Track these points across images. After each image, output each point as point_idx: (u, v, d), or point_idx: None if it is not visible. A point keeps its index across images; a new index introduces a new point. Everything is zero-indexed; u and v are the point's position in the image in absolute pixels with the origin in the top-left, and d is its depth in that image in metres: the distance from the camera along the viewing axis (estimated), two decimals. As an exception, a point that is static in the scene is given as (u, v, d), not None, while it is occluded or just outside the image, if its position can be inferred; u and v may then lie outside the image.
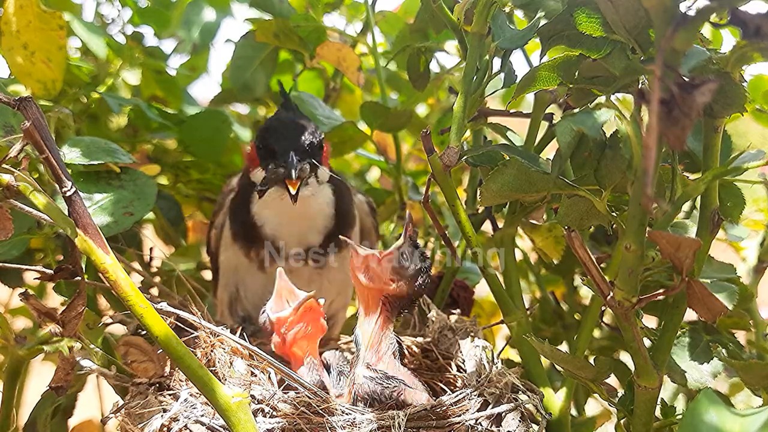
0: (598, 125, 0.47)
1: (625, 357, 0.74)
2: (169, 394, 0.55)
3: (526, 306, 0.64)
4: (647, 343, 0.55)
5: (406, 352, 0.69)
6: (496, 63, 0.60)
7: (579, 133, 0.47)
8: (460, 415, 0.52)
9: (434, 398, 0.56)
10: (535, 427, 0.56)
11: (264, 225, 0.69)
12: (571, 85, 0.54)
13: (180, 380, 0.55)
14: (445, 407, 0.53)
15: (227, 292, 0.76)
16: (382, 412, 0.51)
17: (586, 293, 0.89)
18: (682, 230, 0.59)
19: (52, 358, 0.85)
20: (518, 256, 0.83)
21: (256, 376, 0.56)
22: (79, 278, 0.52)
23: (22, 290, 0.53)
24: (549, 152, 0.61)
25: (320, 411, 0.51)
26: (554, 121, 0.67)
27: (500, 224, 0.67)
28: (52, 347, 0.52)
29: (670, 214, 0.49)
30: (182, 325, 0.55)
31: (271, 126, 0.69)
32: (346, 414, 0.51)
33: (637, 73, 0.50)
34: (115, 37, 0.93)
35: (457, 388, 0.60)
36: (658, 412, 0.57)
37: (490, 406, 0.54)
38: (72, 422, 0.75)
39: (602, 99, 0.51)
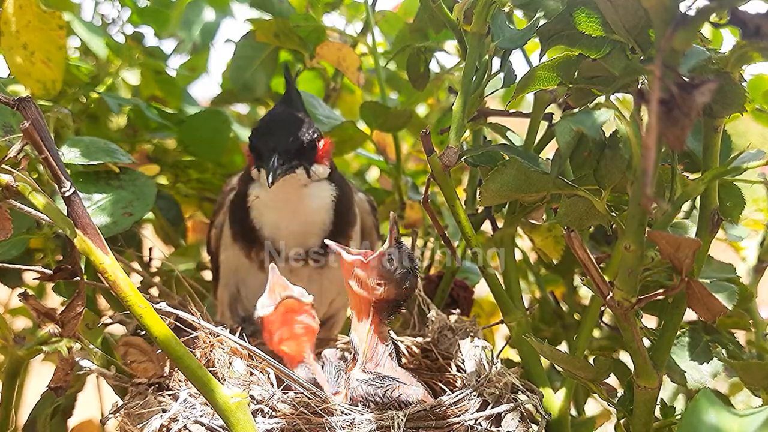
0: (598, 125, 0.47)
1: (625, 357, 0.74)
2: (169, 395, 0.55)
3: (526, 306, 0.64)
4: (647, 343, 0.54)
5: (406, 352, 0.69)
6: (496, 63, 0.60)
7: (578, 133, 0.47)
8: (459, 415, 0.52)
9: (434, 398, 0.55)
10: (534, 427, 0.56)
11: (262, 225, 0.69)
12: (570, 85, 0.54)
13: (179, 380, 0.55)
14: (444, 407, 0.52)
15: (228, 292, 0.75)
16: (381, 412, 0.51)
17: (585, 293, 0.89)
18: (682, 230, 0.59)
19: (52, 358, 0.85)
20: (518, 256, 0.83)
21: (255, 376, 0.56)
22: (79, 278, 0.52)
23: (21, 290, 0.53)
24: (549, 152, 0.61)
25: (319, 411, 0.51)
26: (554, 121, 0.67)
27: (500, 224, 0.67)
28: (51, 347, 0.52)
29: (669, 214, 0.49)
30: (181, 326, 0.55)
31: (261, 124, 0.69)
32: (346, 414, 0.51)
33: (637, 73, 0.50)
34: (114, 37, 0.93)
35: (457, 388, 0.60)
36: (657, 412, 0.56)
37: (490, 406, 0.54)
38: (71, 422, 0.75)
39: (602, 99, 0.51)
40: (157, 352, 0.58)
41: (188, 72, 1.06)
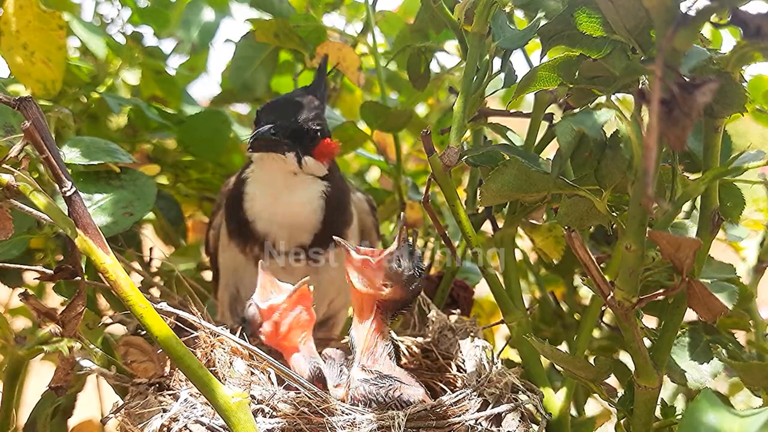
0: (599, 125, 0.47)
1: (625, 357, 0.74)
2: (169, 394, 0.55)
3: (526, 306, 0.64)
4: (647, 343, 0.55)
5: (406, 352, 0.69)
6: (497, 63, 0.60)
7: (579, 133, 0.47)
8: (459, 416, 0.52)
9: (433, 399, 0.55)
10: (534, 427, 0.56)
11: (255, 217, 0.69)
12: (571, 85, 0.54)
13: (180, 380, 0.55)
14: (445, 407, 0.52)
15: (228, 292, 0.75)
16: (382, 412, 0.51)
17: (586, 293, 0.89)
18: (682, 230, 0.59)
19: (52, 358, 0.85)
20: (518, 256, 0.83)
21: (255, 376, 0.56)
22: (79, 278, 0.52)
23: (21, 290, 0.53)
24: (549, 152, 0.61)
25: (320, 411, 0.51)
26: (554, 121, 0.67)
27: (500, 224, 0.67)
28: (51, 347, 0.52)
29: (670, 214, 0.49)
30: (182, 325, 0.55)
31: (271, 101, 0.69)
32: (346, 414, 0.51)
33: (638, 73, 0.50)
34: (114, 37, 0.93)
35: (457, 388, 0.60)
36: (658, 412, 0.57)
37: (490, 407, 0.54)
38: (72, 422, 0.75)
39: (602, 99, 0.51)
40: (158, 352, 0.58)
41: (188, 72, 1.06)
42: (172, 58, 1.02)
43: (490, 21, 0.57)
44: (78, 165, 0.66)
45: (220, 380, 0.48)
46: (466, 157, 0.58)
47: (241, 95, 0.94)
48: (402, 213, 0.60)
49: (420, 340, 0.69)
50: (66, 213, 0.49)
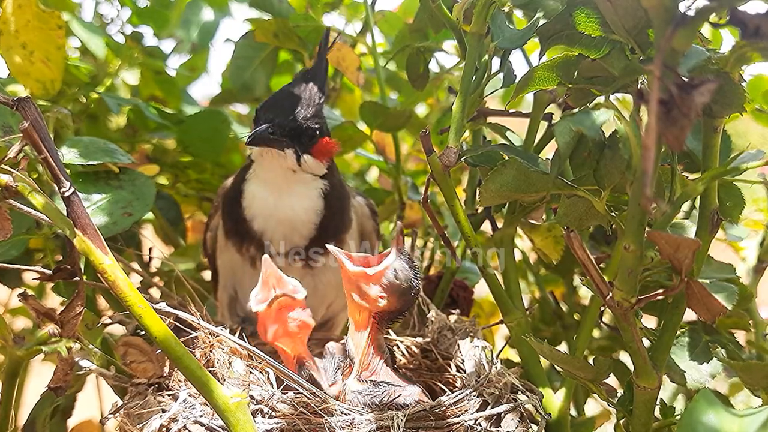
0: (597, 125, 0.47)
1: (625, 357, 0.74)
2: (168, 395, 0.55)
3: (526, 306, 0.64)
4: (646, 343, 0.55)
5: (406, 352, 0.69)
6: (496, 63, 0.60)
7: (578, 133, 0.47)
8: (459, 416, 0.52)
9: (432, 399, 0.55)
10: (534, 427, 0.56)
11: (253, 216, 0.69)
12: (570, 85, 0.54)
13: (179, 380, 0.55)
14: (444, 407, 0.52)
15: (226, 293, 0.75)
16: (381, 412, 0.51)
17: (585, 293, 0.89)
18: (682, 230, 0.59)
19: (52, 358, 0.85)
20: (517, 256, 0.83)
21: (254, 376, 0.56)
22: (78, 278, 0.52)
23: (21, 290, 0.53)
24: (548, 152, 0.61)
25: (319, 411, 0.51)
26: (553, 121, 0.67)
27: (499, 224, 0.67)
28: (51, 347, 0.52)
29: (669, 214, 0.49)
30: (181, 326, 0.55)
31: (271, 96, 0.69)
32: (345, 414, 0.51)
33: (636, 73, 0.50)
34: (114, 36, 0.93)
35: (457, 389, 0.60)
36: (657, 413, 0.56)
37: (490, 407, 0.54)
38: (71, 422, 0.75)
39: (601, 99, 0.51)
40: (157, 352, 0.58)
41: (188, 72, 1.06)
42: (172, 58, 1.02)
43: (488, 21, 0.57)
44: (77, 165, 0.66)
45: (219, 380, 0.48)
46: (465, 157, 0.58)
47: (241, 95, 0.94)
48: (398, 221, 0.59)
49: (419, 340, 0.69)
50: (65, 213, 0.49)
